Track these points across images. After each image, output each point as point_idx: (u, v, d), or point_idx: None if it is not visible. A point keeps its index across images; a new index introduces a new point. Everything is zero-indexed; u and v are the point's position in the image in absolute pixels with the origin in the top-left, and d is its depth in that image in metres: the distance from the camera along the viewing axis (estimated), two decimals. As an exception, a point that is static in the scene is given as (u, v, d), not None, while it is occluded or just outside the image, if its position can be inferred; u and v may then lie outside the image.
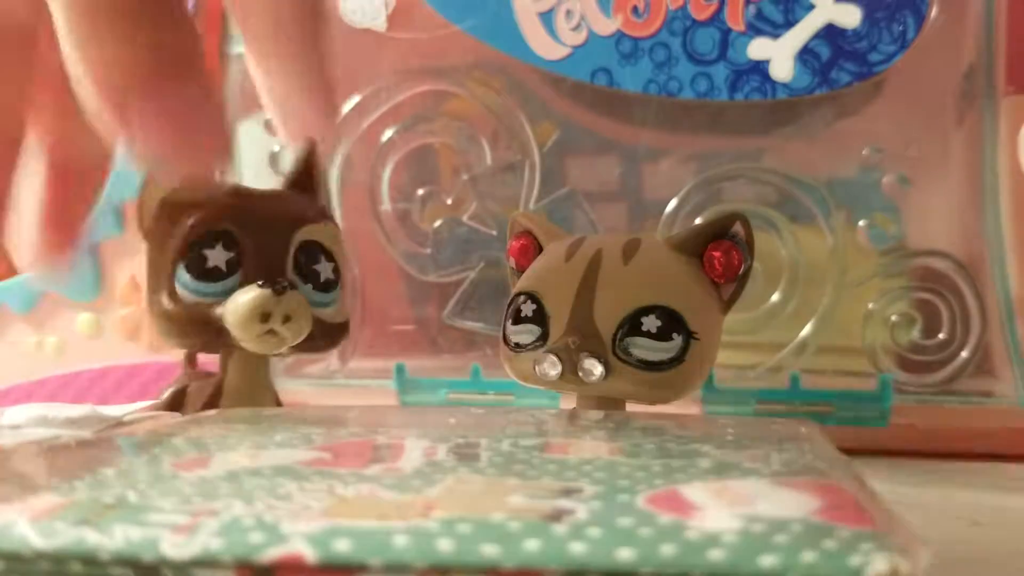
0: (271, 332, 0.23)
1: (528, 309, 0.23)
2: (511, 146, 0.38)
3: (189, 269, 0.23)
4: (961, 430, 0.35)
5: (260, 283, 0.23)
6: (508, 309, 0.24)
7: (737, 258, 0.23)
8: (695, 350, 0.22)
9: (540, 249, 0.24)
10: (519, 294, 0.24)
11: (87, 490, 0.13)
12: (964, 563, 0.22)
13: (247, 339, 0.23)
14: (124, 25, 0.19)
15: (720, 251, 0.23)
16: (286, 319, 0.23)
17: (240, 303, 0.23)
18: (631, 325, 0.22)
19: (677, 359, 0.22)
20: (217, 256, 0.23)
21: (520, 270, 0.25)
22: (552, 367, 0.22)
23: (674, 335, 0.22)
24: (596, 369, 0.22)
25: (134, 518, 0.12)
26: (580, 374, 0.22)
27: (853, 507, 0.12)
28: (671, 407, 0.24)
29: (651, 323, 0.22)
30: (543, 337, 0.23)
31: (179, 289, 0.23)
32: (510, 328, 0.23)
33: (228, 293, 0.23)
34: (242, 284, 0.23)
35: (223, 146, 0.21)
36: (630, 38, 0.36)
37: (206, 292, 0.23)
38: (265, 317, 0.23)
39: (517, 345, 0.23)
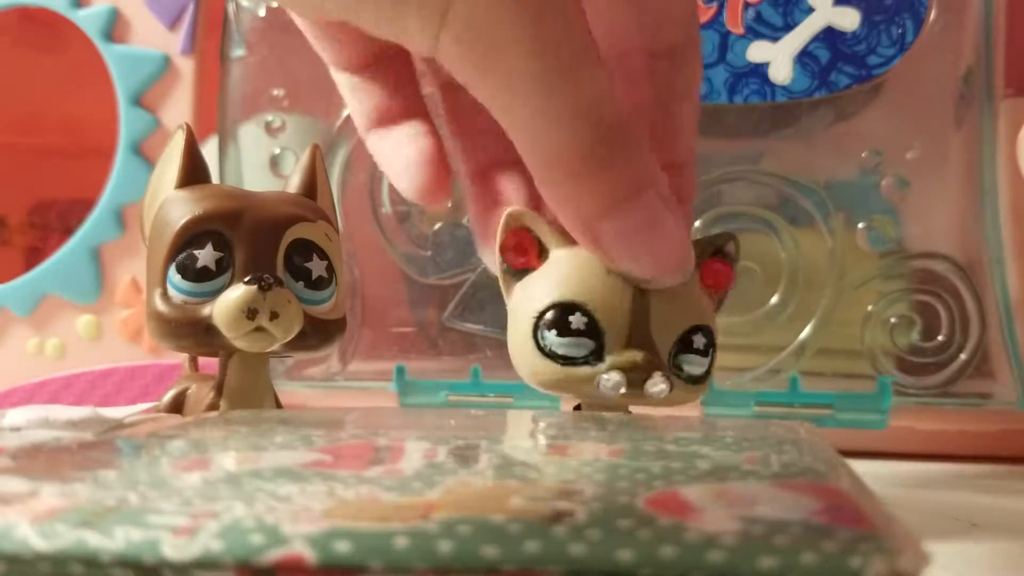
0: (259, 329, 0.23)
1: (580, 321, 0.23)
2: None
3: (179, 270, 0.24)
4: (960, 432, 0.35)
5: (247, 280, 0.23)
6: (543, 317, 0.23)
7: (731, 275, 0.25)
8: (714, 361, 0.24)
9: (541, 250, 0.24)
10: (563, 304, 0.23)
11: (88, 492, 0.13)
12: (963, 564, 0.22)
13: (236, 337, 0.23)
14: (590, 168, 0.22)
15: (722, 267, 0.25)
16: (273, 316, 0.23)
17: (227, 301, 0.23)
18: (684, 343, 0.23)
19: (709, 371, 0.24)
20: (207, 256, 0.24)
21: (518, 269, 0.24)
22: (620, 385, 0.22)
23: (710, 350, 0.24)
24: (665, 387, 0.23)
25: (135, 520, 0.12)
26: (650, 391, 0.23)
27: (852, 509, 0.12)
28: (670, 408, 0.24)
29: (699, 341, 0.23)
30: (597, 352, 0.23)
31: (170, 290, 0.24)
32: (553, 339, 0.23)
33: (218, 293, 0.23)
34: (231, 283, 0.23)
35: (683, 241, 0.23)
36: (630, 41, 0.36)
37: (197, 292, 0.24)
38: (252, 314, 0.23)
39: (566, 359, 0.23)
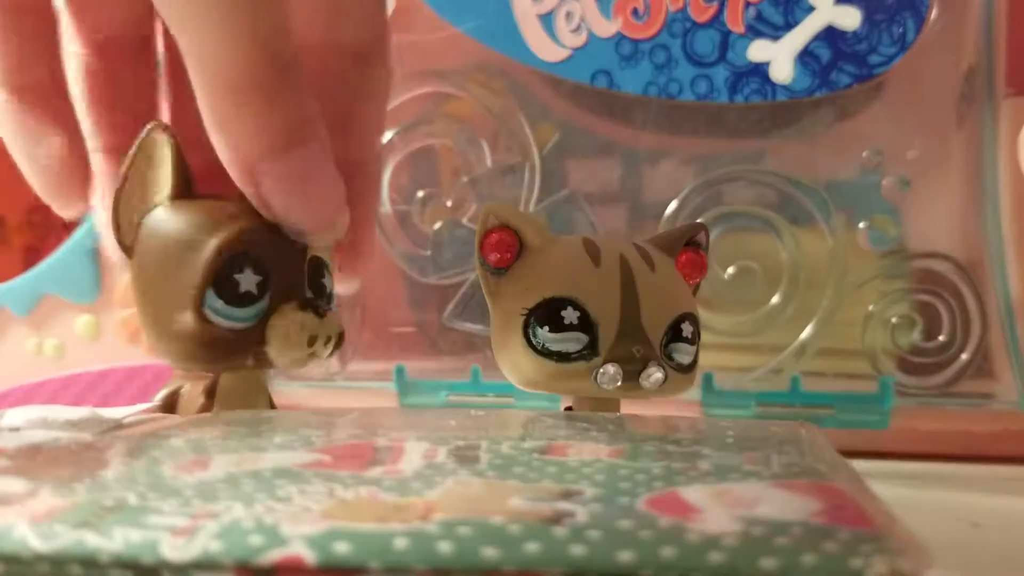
0: (311, 353, 0.23)
1: (572, 316, 0.23)
2: (511, 148, 0.38)
3: (221, 295, 0.22)
4: (961, 433, 0.35)
5: (302, 306, 0.23)
6: (535, 314, 0.23)
7: (705, 262, 0.25)
8: (698, 348, 0.24)
9: (521, 246, 0.24)
10: (555, 299, 0.23)
11: (87, 493, 0.13)
12: (964, 565, 0.22)
13: (288, 361, 0.23)
14: (260, 101, 0.21)
15: (696, 255, 0.25)
16: (327, 340, 0.23)
17: (288, 328, 0.23)
18: (674, 332, 0.23)
19: (696, 360, 0.24)
20: (248, 281, 0.23)
21: (499, 267, 0.24)
22: (617, 377, 0.22)
23: (696, 338, 0.24)
24: (660, 376, 0.23)
25: (134, 520, 0.12)
26: (645, 382, 0.22)
27: (853, 509, 0.12)
28: (671, 409, 0.24)
29: (688, 329, 0.23)
30: (591, 346, 0.23)
31: (210, 314, 0.22)
32: (546, 336, 0.23)
33: (259, 316, 0.23)
34: (272, 306, 0.23)
35: (340, 199, 0.23)
36: (630, 40, 0.36)
37: (241, 317, 0.23)
38: (312, 340, 0.23)
39: (560, 355, 0.23)
